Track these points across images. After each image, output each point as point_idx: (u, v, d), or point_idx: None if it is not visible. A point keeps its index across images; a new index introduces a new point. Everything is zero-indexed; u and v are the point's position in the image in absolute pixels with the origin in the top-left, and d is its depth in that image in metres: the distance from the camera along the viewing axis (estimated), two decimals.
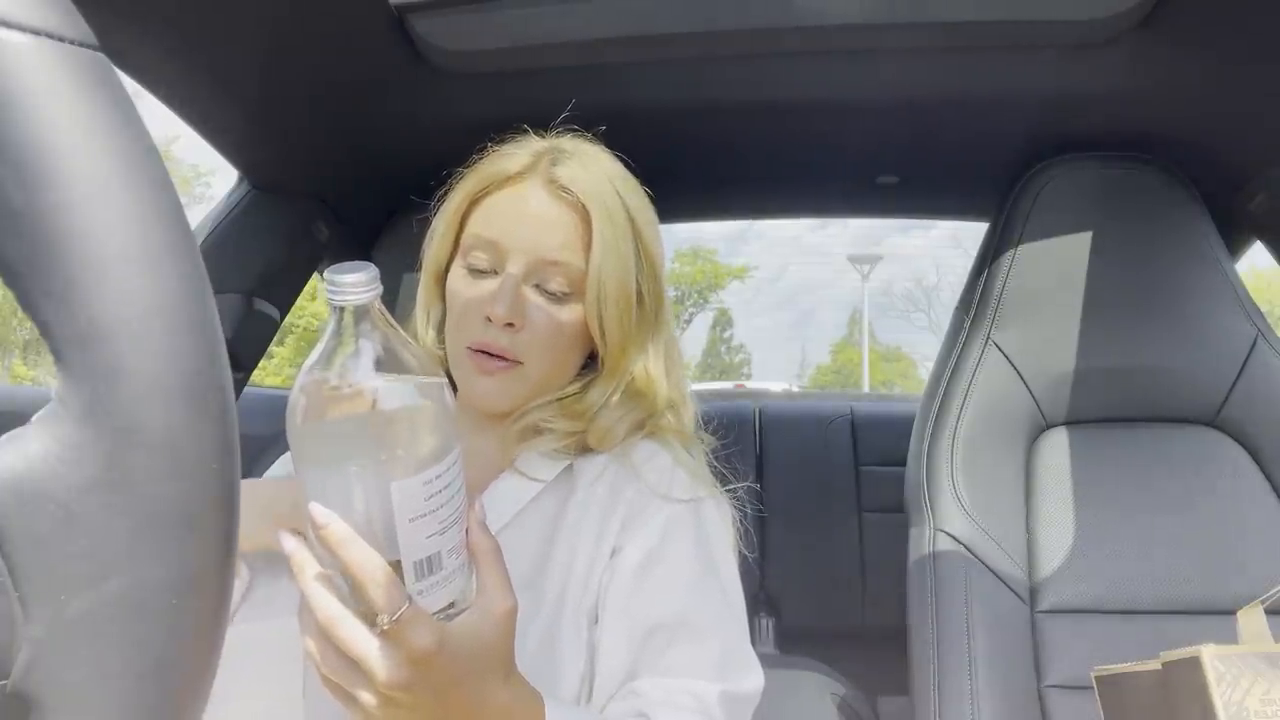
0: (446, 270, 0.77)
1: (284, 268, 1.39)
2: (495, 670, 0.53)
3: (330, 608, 0.48)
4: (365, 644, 0.47)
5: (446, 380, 0.51)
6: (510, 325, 0.70)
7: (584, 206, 0.71)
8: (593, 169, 0.73)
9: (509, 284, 0.70)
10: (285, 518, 0.64)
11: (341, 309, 0.47)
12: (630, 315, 0.74)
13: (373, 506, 0.47)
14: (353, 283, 0.47)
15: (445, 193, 0.78)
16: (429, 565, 0.49)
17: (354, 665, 0.48)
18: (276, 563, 0.67)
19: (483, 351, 0.71)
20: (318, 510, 0.47)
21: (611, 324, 0.73)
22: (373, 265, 0.48)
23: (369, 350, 0.48)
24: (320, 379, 0.47)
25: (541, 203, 0.72)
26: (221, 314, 0.29)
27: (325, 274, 0.47)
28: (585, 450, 0.75)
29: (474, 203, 0.75)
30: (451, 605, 0.51)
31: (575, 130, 0.78)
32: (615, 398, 0.74)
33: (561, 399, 0.75)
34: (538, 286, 0.72)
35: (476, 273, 0.73)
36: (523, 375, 0.72)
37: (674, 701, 0.63)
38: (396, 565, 0.48)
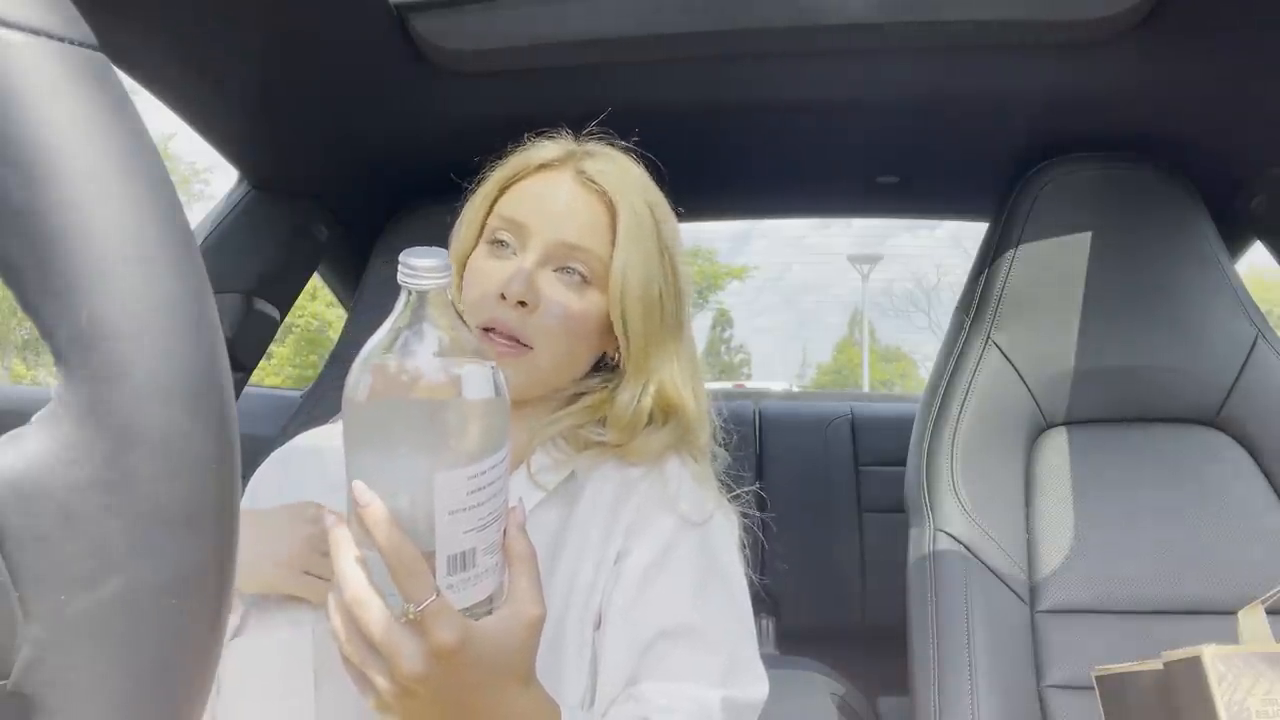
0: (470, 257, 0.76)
1: (284, 268, 1.40)
2: (516, 676, 0.53)
3: (359, 588, 0.48)
4: (387, 630, 0.47)
5: (503, 374, 0.50)
6: (523, 304, 0.68)
7: (610, 200, 0.72)
8: (623, 168, 0.75)
9: (527, 263, 0.69)
10: (291, 562, 0.64)
11: (410, 293, 0.47)
12: (655, 314, 0.73)
13: (415, 494, 0.47)
14: (428, 268, 0.47)
15: (476, 184, 0.78)
16: (462, 561, 0.48)
17: (375, 650, 0.48)
18: (268, 605, 0.67)
19: (492, 331, 0.69)
20: (360, 489, 0.47)
21: (635, 319, 0.72)
22: (445, 252, 0.48)
23: (434, 337, 0.47)
24: (384, 361, 0.47)
25: (569, 190, 0.72)
26: (221, 314, 0.29)
27: (400, 257, 0.47)
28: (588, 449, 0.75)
29: (504, 190, 0.75)
30: (480, 604, 0.50)
31: (602, 134, 0.79)
32: (646, 401, 0.73)
33: (591, 404, 0.74)
34: (557, 271, 0.71)
35: (498, 252, 0.72)
36: (531, 362, 0.70)
37: (676, 706, 0.62)
38: (430, 556, 0.47)
